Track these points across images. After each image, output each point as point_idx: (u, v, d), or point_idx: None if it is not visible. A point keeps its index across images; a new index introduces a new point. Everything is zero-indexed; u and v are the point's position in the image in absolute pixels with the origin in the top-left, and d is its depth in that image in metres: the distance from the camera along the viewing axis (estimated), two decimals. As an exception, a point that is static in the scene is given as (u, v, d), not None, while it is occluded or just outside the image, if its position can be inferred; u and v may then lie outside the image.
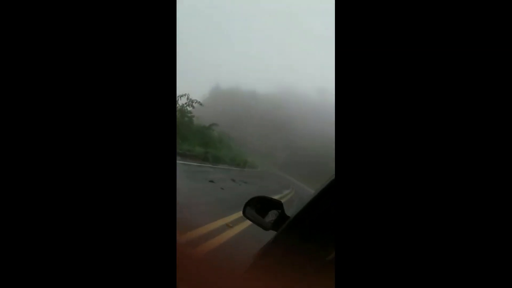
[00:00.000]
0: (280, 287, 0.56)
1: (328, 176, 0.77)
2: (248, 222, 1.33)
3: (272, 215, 0.97)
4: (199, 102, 13.37)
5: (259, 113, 47.68)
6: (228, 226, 3.73)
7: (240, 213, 1.08)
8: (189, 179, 6.17)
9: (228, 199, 5.33)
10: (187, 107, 12.60)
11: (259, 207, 0.99)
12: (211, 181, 6.89)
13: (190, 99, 12.69)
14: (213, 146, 13.24)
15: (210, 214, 3.82)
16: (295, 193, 11.89)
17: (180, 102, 12.38)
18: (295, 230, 0.79)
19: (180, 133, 10.43)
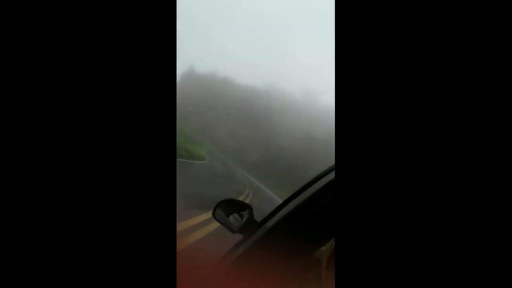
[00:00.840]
0: (266, 284, 0.50)
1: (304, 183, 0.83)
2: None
3: (234, 219, 1.00)
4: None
5: (235, 103, 41.87)
6: None
7: None
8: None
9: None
10: None
11: (228, 209, 1.01)
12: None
13: None
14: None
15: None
16: (253, 197, 10.75)
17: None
18: (284, 226, 0.82)
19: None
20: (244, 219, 1.00)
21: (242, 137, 35.01)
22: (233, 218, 1.00)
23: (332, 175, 0.72)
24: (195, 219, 3.68)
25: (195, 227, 3.66)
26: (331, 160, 0.52)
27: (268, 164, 29.55)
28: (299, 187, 0.82)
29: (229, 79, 49.37)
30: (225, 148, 33.15)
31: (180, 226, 3.51)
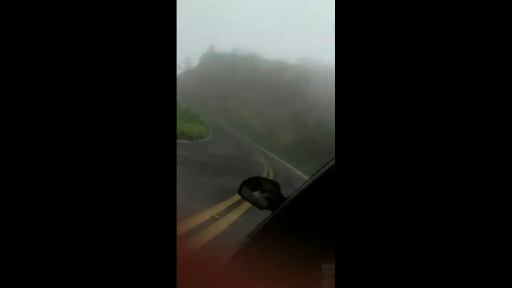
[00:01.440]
0: (268, 278, 0.55)
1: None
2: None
3: (257, 195, 1.01)
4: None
5: (263, 80, 36.17)
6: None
7: None
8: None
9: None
10: None
11: (255, 186, 1.03)
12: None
13: None
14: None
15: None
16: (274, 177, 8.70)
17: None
18: (287, 216, 0.80)
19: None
20: (272, 195, 0.96)
21: (272, 116, 29.39)
22: (260, 195, 1.00)
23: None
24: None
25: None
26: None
27: (306, 144, 23.75)
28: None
29: (255, 55, 43.70)
30: (253, 130, 27.90)
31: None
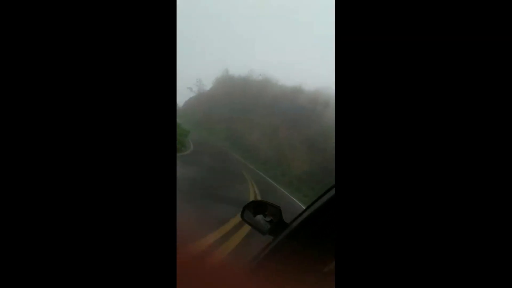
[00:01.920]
0: None
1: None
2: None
3: (260, 219, 0.98)
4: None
5: (275, 102, 33.32)
6: None
7: None
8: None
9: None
10: None
11: (257, 210, 1.00)
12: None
13: None
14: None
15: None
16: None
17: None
18: (295, 239, 0.79)
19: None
20: (273, 220, 0.94)
21: (284, 141, 26.22)
22: (262, 220, 0.98)
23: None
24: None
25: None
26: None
27: (321, 174, 20.29)
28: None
29: (270, 80, 41.36)
30: (261, 155, 24.71)
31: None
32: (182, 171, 7.76)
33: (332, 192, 0.74)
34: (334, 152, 0.36)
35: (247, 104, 34.95)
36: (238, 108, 35.21)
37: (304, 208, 0.93)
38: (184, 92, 46.52)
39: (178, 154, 11.68)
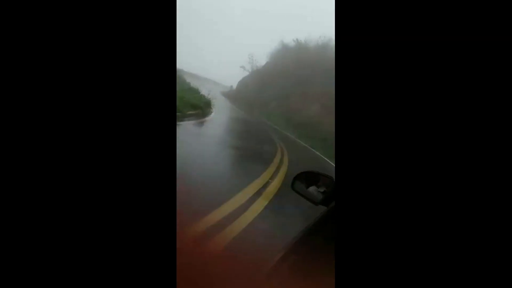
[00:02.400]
0: None
1: None
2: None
3: (313, 191, 0.97)
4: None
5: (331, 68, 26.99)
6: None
7: None
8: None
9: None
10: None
11: (308, 181, 0.99)
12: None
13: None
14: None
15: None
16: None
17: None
18: (325, 228, 0.76)
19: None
20: (316, 192, 0.94)
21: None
22: (315, 191, 0.97)
23: None
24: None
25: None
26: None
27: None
28: None
29: (328, 43, 34.80)
30: (322, 132, 19.14)
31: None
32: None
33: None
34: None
35: (302, 76, 29.15)
36: (291, 81, 29.66)
37: None
38: (237, 72, 42.12)
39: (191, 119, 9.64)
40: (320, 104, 23.22)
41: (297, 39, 35.96)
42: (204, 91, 15.89)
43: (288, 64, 33.91)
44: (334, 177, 0.90)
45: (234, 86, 42.58)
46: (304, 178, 1.01)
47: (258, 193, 4.57)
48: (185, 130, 8.40)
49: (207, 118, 11.99)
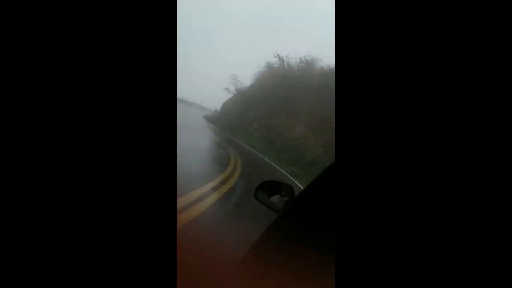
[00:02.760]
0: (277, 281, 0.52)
1: None
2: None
3: (277, 200, 0.98)
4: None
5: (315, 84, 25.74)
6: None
7: None
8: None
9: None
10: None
11: (270, 190, 1.01)
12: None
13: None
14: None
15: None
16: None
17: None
18: (291, 219, 0.79)
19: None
20: (279, 201, 0.96)
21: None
22: (278, 200, 0.99)
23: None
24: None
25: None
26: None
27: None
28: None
29: (310, 63, 33.83)
30: (308, 155, 17.51)
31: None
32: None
33: (326, 171, 0.71)
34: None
35: (284, 94, 27.81)
36: (275, 100, 28.28)
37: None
38: (221, 95, 40.57)
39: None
40: (305, 122, 21.71)
41: (278, 55, 34.88)
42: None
43: (271, 84, 32.74)
44: (292, 186, 0.95)
45: (218, 108, 41.11)
46: (267, 188, 1.01)
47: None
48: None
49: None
